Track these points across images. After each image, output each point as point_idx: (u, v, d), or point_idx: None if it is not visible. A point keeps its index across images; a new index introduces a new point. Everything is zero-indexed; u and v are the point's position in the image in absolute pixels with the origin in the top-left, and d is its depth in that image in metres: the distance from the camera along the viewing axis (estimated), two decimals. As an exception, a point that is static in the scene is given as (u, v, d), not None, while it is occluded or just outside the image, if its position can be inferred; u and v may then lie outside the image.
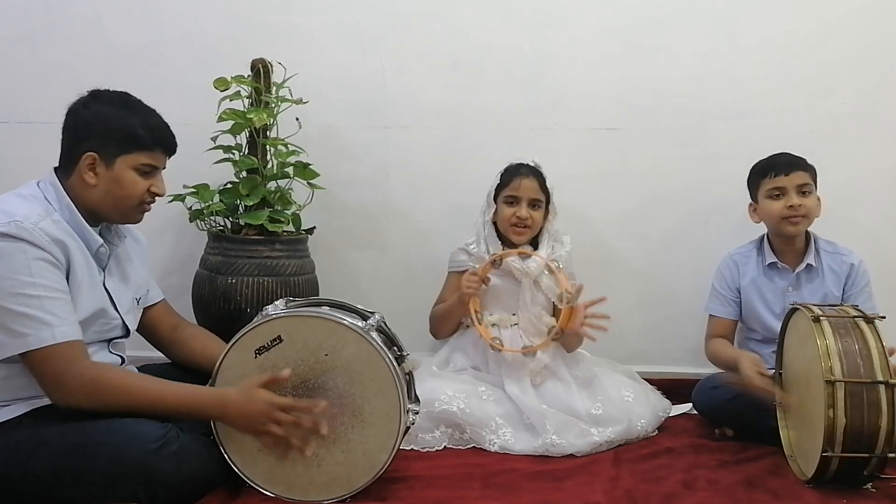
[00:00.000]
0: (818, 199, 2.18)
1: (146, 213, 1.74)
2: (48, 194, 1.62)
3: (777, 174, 2.16)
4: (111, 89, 1.70)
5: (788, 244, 2.21)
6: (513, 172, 2.25)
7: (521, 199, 2.22)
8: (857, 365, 1.69)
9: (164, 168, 1.74)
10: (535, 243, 2.29)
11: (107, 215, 1.68)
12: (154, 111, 1.71)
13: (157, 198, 1.72)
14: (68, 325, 1.53)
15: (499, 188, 2.26)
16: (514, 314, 2.17)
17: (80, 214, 1.63)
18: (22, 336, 1.49)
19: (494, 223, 2.27)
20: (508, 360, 2.12)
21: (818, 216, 2.19)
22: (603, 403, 2.07)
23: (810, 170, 2.19)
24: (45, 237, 1.53)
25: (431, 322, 2.30)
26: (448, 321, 2.25)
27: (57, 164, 1.68)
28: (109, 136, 1.63)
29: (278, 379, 1.61)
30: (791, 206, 2.13)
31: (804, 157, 2.19)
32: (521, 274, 2.19)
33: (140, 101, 1.71)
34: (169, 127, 1.72)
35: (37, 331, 1.50)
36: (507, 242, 2.26)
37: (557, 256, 2.25)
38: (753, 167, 2.25)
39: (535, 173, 2.24)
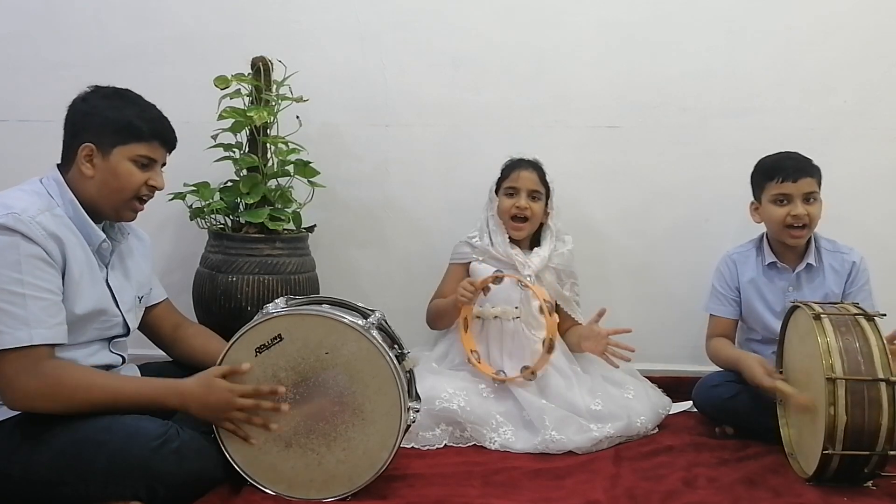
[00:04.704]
0: (821, 201, 2.14)
1: (146, 212, 1.73)
2: (51, 190, 1.62)
3: (784, 179, 2.09)
4: (113, 86, 1.70)
5: (788, 245, 2.18)
6: (513, 165, 2.28)
7: (520, 189, 2.23)
8: (858, 362, 1.69)
9: (165, 163, 1.74)
10: (536, 241, 2.30)
11: (102, 209, 1.66)
12: (152, 105, 1.71)
13: (155, 192, 1.71)
14: (47, 327, 1.51)
15: (499, 181, 2.28)
16: (516, 307, 2.17)
17: (83, 210, 1.62)
18: None
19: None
20: (509, 343, 2.14)
21: (820, 218, 2.14)
22: (603, 399, 2.07)
23: (816, 174, 2.12)
24: (40, 231, 1.52)
25: (428, 314, 2.30)
26: (443, 319, 2.26)
27: (59, 161, 1.68)
28: (106, 126, 1.63)
29: (237, 371, 1.61)
30: (796, 216, 2.08)
31: (807, 155, 2.15)
32: (523, 267, 2.20)
33: (139, 95, 1.71)
34: (167, 120, 1.71)
35: (14, 329, 1.48)
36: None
37: (559, 255, 2.26)
38: (759, 165, 2.19)
39: (535, 166, 2.27)
